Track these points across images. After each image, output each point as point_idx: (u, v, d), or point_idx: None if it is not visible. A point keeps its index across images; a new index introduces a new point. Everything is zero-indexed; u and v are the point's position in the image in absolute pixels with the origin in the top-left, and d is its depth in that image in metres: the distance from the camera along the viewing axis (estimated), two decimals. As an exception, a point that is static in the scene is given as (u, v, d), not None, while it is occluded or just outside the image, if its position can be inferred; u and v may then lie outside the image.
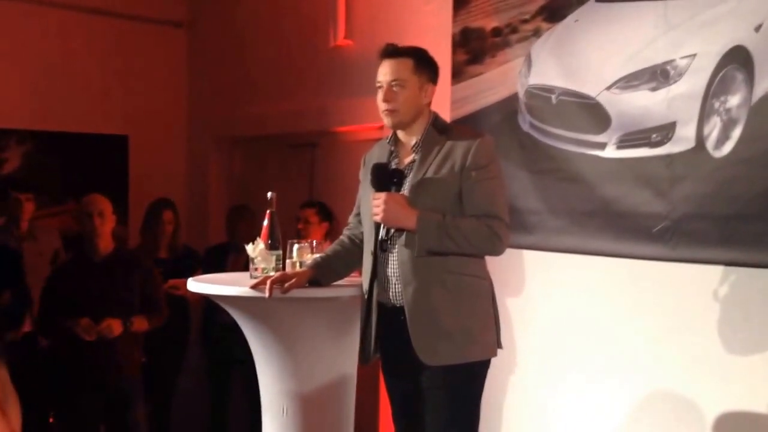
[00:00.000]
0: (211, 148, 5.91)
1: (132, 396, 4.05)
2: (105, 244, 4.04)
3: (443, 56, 3.68)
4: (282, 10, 5.33)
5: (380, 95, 2.71)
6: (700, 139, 3.07)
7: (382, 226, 2.68)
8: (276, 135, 5.47)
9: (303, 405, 2.97)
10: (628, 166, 3.28)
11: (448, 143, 2.69)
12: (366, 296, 2.75)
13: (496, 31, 3.83)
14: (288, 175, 5.48)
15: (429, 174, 2.67)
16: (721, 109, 3.01)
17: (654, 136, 3.19)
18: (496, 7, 3.82)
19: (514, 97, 3.75)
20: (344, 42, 4.78)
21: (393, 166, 2.76)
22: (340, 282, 2.93)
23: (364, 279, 2.77)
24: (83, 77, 5.51)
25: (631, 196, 3.27)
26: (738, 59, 2.97)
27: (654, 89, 3.19)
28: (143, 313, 4.04)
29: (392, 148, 2.80)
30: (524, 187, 3.65)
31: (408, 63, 2.70)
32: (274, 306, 2.83)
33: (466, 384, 2.68)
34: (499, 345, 2.76)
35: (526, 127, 3.69)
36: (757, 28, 2.92)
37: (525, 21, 3.71)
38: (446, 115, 3.72)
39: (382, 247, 2.71)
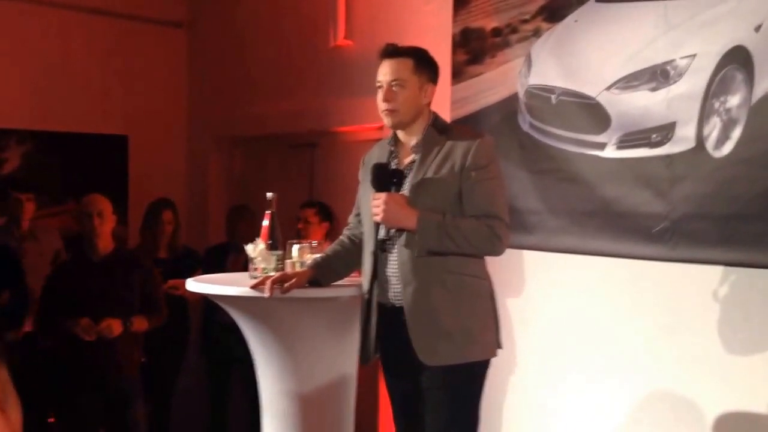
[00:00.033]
0: (211, 148, 5.91)
1: (131, 396, 4.05)
2: (105, 244, 4.04)
3: (443, 56, 3.68)
4: (282, 10, 5.33)
5: (380, 95, 2.72)
6: (700, 140, 3.07)
7: (382, 226, 2.68)
8: (276, 135, 5.47)
9: (303, 405, 2.97)
10: (628, 167, 3.28)
11: (448, 143, 2.69)
12: (366, 296, 2.75)
13: (496, 32, 3.83)
14: (288, 175, 5.48)
15: (429, 174, 2.67)
16: (721, 109, 3.02)
17: (654, 136, 3.19)
18: (496, 7, 3.82)
19: (514, 97, 3.75)
20: (344, 42, 4.78)
21: (393, 166, 2.76)
22: (340, 282, 2.93)
23: (364, 279, 2.77)
24: (83, 77, 5.51)
25: (631, 196, 3.27)
26: (738, 59, 2.97)
27: (654, 89, 3.20)
28: (143, 313, 4.04)
29: (392, 149, 2.80)
30: (524, 187, 3.65)
31: (408, 63, 2.70)
32: (274, 306, 2.83)
33: (466, 384, 2.69)
34: (499, 345, 2.76)
35: (526, 127, 3.70)
36: (757, 28, 2.92)
37: (525, 21, 3.71)
38: (446, 115, 3.72)
39: (382, 248, 2.71)
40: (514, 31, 3.75)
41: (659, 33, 3.19)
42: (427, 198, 2.65)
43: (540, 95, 3.63)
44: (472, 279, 2.68)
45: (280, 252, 3.03)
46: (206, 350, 5.11)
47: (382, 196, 2.63)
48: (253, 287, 2.77)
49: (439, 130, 2.74)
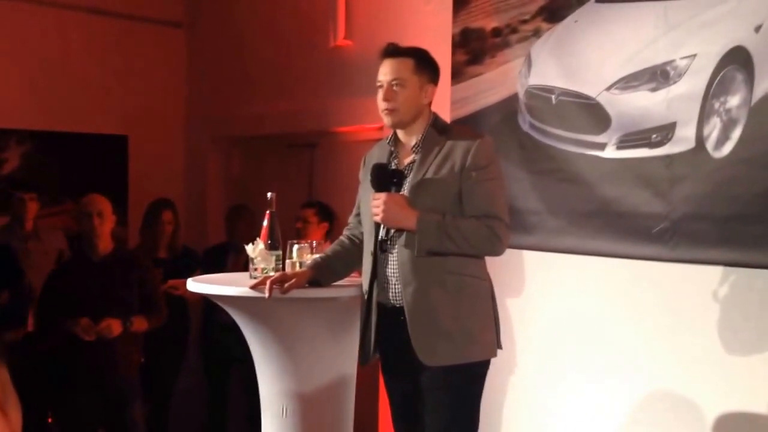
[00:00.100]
0: (211, 147, 5.91)
1: (130, 396, 4.05)
2: (104, 244, 4.04)
3: (443, 56, 3.67)
4: (281, 10, 5.33)
5: (380, 94, 2.72)
6: (700, 140, 3.07)
7: (381, 226, 2.68)
8: (275, 135, 5.47)
9: (302, 405, 2.97)
10: (628, 167, 3.28)
11: (448, 144, 2.69)
12: (366, 296, 2.75)
13: (496, 32, 3.83)
14: (287, 175, 5.48)
15: (429, 174, 2.67)
16: (721, 109, 3.01)
17: (654, 136, 3.19)
18: (496, 7, 3.82)
19: (514, 98, 3.75)
20: (344, 42, 4.78)
21: (393, 166, 2.76)
22: (339, 282, 2.92)
23: (364, 279, 2.77)
24: (83, 77, 5.51)
25: (630, 196, 3.27)
26: (738, 60, 2.97)
27: (654, 90, 3.19)
28: (142, 313, 4.04)
29: (392, 149, 2.80)
30: (524, 187, 3.65)
31: (409, 63, 2.70)
32: (273, 306, 2.83)
33: (466, 384, 2.68)
34: (499, 345, 2.76)
35: (525, 128, 3.69)
36: (757, 29, 2.92)
37: (525, 21, 3.71)
38: (446, 116, 3.72)
39: (381, 248, 2.71)
40: (514, 31, 3.75)
41: (659, 33, 3.19)
42: (426, 198, 2.64)
43: (540, 95, 3.63)
44: (472, 279, 2.68)
45: (279, 252, 3.03)
46: (205, 350, 5.11)
47: (382, 196, 2.63)
48: (253, 287, 2.76)
49: (439, 130, 2.74)
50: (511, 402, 3.80)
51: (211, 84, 5.88)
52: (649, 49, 3.22)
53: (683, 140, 3.11)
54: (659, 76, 3.18)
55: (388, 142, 2.81)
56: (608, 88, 3.35)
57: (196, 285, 2.96)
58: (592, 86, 3.41)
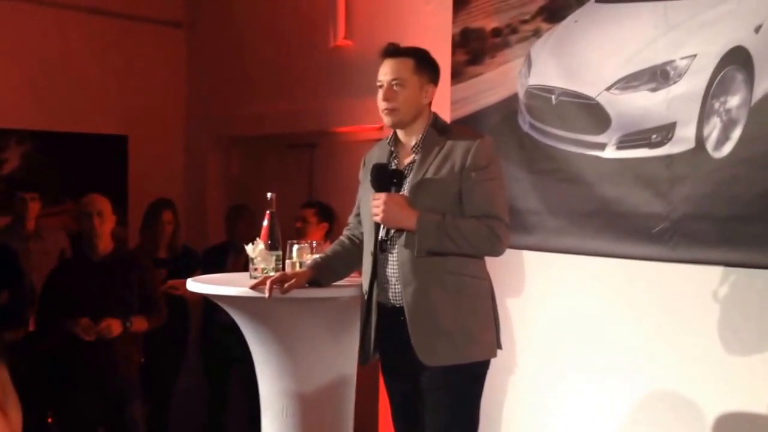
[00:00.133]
0: (210, 147, 5.91)
1: (130, 395, 4.05)
2: (104, 244, 4.04)
3: (443, 56, 3.67)
4: (281, 10, 5.33)
5: (380, 94, 2.72)
6: (700, 140, 3.07)
7: (381, 226, 2.68)
8: (275, 135, 5.47)
9: (302, 405, 2.97)
10: (628, 167, 3.28)
11: (448, 144, 2.69)
12: (366, 296, 2.75)
13: (496, 32, 3.83)
14: (287, 175, 5.48)
15: (429, 174, 2.67)
16: (721, 109, 3.02)
17: (654, 136, 3.19)
18: (496, 7, 3.82)
19: (513, 98, 3.75)
20: (344, 42, 4.78)
21: (393, 166, 2.76)
22: (339, 282, 2.92)
23: (364, 279, 2.77)
24: (83, 77, 5.51)
25: (630, 196, 3.27)
26: (738, 60, 2.97)
27: (654, 90, 3.19)
28: (142, 313, 4.04)
29: (392, 149, 2.80)
30: (524, 187, 3.65)
31: (409, 63, 2.70)
32: (273, 306, 2.83)
33: (466, 384, 2.68)
34: (498, 345, 2.76)
35: (525, 128, 3.69)
36: (757, 29, 2.92)
37: (525, 21, 3.71)
38: (446, 116, 3.72)
39: (381, 248, 2.71)
40: (514, 31, 3.75)
41: (659, 33, 3.19)
42: (426, 198, 2.64)
43: (540, 95, 3.63)
44: (472, 279, 2.68)
45: (279, 252, 3.03)
46: (205, 350, 5.11)
47: (382, 196, 2.63)
48: (253, 287, 2.76)
49: (439, 130, 2.74)
50: (511, 402, 3.80)
51: (211, 84, 5.88)
52: (649, 49, 3.22)
53: (683, 140, 3.11)
54: (659, 76, 3.18)
55: (388, 142, 2.81)
56: (608, 88, 3.35)
57: (196, 285, 2.96)
58: (592, 86, 3.41)
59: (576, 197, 3.47)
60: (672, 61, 3.15)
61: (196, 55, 6.02)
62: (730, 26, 3.00)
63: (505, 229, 2.66)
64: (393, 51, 2.73)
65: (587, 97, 3.42)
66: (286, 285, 2.73)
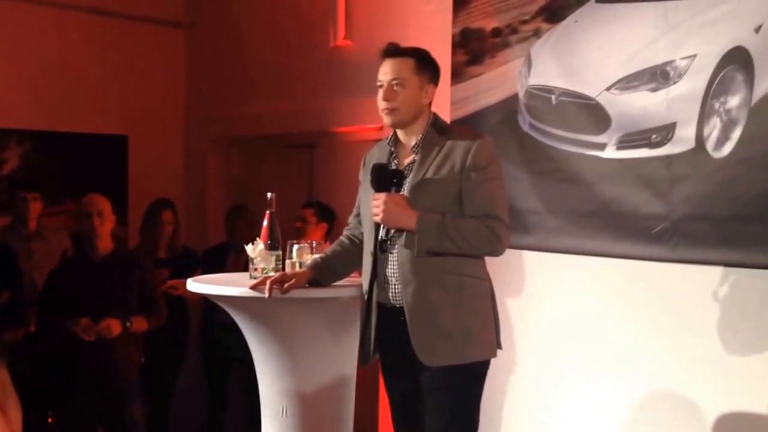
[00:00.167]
0: (210, 147, 5.91)
1: (130, 396, 4.05)
2: (104, 244, 4.04)
3: (443, 57, 3.67)
4: (281, 10, 5.33)
5: (380, 94, 2.72)
6: (700, 140, 3.07)
7: (381, 226, 2.68)
8: (275, 135, 5.47)
9: (302, 405, 2.97)
10: (628, 167, 3.28)
11: (448, 144, 2.69)
12: (366, 297, 2.75)
13: (496, 32, 3.83)
14: (287, 175, 5.48)
15: (429, 175, 2.67)
16: (721, 109, 3.02)
17: (654, 136, 3.19)
18: (496, 7, 3.82)
19: (513, 98, 3.75)
20: (344, 42, 4.78)
21: (393, 166, 2.76)
22: (339, 282, 2.92)
23: (364, 279, 2.77)
24: (82, 77, 5.51)
25: (630, 196, 3.27)
26: (738, 60, 2.97)
27: (654, 90, 3.20)
28: (142, 313, 4.04)
29: (392, 149, 2.80)
30: (524, 187, 3.65)
31: (409, 63, 2.70)
32: (273, 306, 2.83)
33: (466, 384, 2.68)
34: (498, 345, 2.76)
35: (525, 128, 3.69)
36: (757, 29, 2.92)
37: (525, 22, 3.71)
38: (446, 116, 3.72)
39: (381, 248, 2.71)
40: (514, 31, 3.75)
41: (659, 33, 3.19)
42: (426, 198, 2.64)
43: (540, 96, 3.63)
44: (472, 279, 2.68)
45: (279, 252, 3.03)
46: (205, 350, 5.11)
47: (382, 196, 2.63)
48: (253, 287, 2.76)
49: (438, 130, 2.74)
50: (511, 402, 3.80)
51: (211, 84, 5.88)
52: (649, 50, 3.22)
53: (683, 140, 3.11)
54: (659, 76, 3.18)
55: (388, 143, 2.81)
56: (608, 89, 3.35)
57: (196, 285, 2.96)
58: (592, 86, 3.41)
59: (576, 197, 3.47)
60: (672, 62, 3.15)
61: (196, 55, 6.02)
62: (730, 26, 3.00)
63: (505, 230, 2.66)
64: (393, 51, 2.73)
65: (587, 97, 3.42)
66: (286, 285, 2.73)
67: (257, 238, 3.02)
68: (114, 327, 3.89)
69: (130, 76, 5.72)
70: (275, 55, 5.34)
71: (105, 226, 4.03)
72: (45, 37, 5.34)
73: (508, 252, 2.76)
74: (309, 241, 3.05)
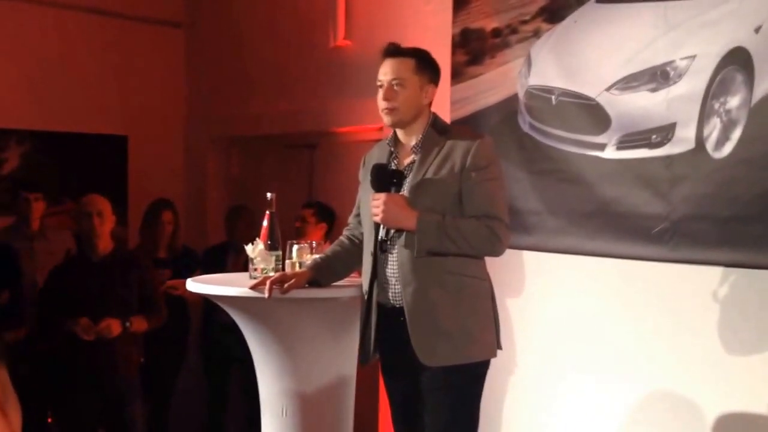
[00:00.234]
0: (210, 148, 5.91)
1: (130, 396, 4.05)
2: (104, 244, 4.04)
3: (443, 57, 3.67)
4: (281, 10, 5.33)
5: (380, 94, 2.72)
6: (700, 140, 3.07)
7: (381, 226, 2.68)
8: (275, 135, 5.47)
9: (302, 405, 2.97)
10: (628, 167, 3.28)
11: (448, 144, 2.69)
12: (366, 297, 2.75)
13: (496, 32, 3.83)
14: (287, 175, 5.48)
15: (429, 175, 2.67)
16: (721, 110, 3.02)
17: (654, 137, 3.20)
18: (495, 8, 3.82)
19: (513, 98, 3.75)
20: (343, 42, 4.78)
21: (393, 166, 2.76)
22: (339, 282, 2.93)
23: (364, 279, 2.77)
24: (82, 77, 5.51)
25: (630, 196, 3.27)
26: (738, 60, 2.97)
27: (654, 90, 3.20)
28: (142, 313, 4.04)
29: (392, 149, 2.80)
30: (524, 187, 3.65)
31: (409, 63, 2.70)
32: (273, 306, 2.83)
33: (466, 384, 2.68)
34: (498, 346, 2.76)
35: (525, 128, 3.69)
36: (757, 30, 2.92)
37: (525, 22, 3.71)
38: (446, 116, 3.72)
39: (381, 248, 2.71)
40: (514, 31, 3.75)
41: (659, 34, 3.19)
42: (426, 199, 2.64)
43: (540, 96, 3.63)
44: (472, 279, 2.68)
45: (279, 252, 3.03)
46: (205, 350, 5.11)
47: (382, 196, 2.63)
48: (253, 287, 2.76)
49: (438, 130, 2.74)
50: (511, 402, 3.80)
51: (211, 84, 5.88)
52: (649, 50, 3.22)
53: (683, 141, 3.11)
54: (659, 76, 3.18)
55: (388, 143, 2.81)
56: (608, 89, 3.35)
57: (196, 285, 2.96)
58: (592, 87, 3.41)
59: (576, 197, 3.47)
60: (672, 62, 3.15)
61: (196, 55, 6.02)
62: (730, 27, 3.00)
63: (505, 230, 2.66)
64: (394, 51, 2.73)
65: (587, 98, 3.42)
66: (285, 285, 2.73)
67: (257, 238, 3.02)
68: (114, 327, 3.89)
69: (130, 76, 5.72)
70: (275, 55, 5.34)
71: (105, 226, 4.03)
72: (45, 37, 5.34)
73: (508, 252, 2.76)
74: (309, 242, 3.05)
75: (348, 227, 3.01)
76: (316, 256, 2.93)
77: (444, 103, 3.82)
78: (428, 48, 2.81)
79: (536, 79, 3.65)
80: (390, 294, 2.70)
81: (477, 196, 2.64)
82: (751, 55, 2.93)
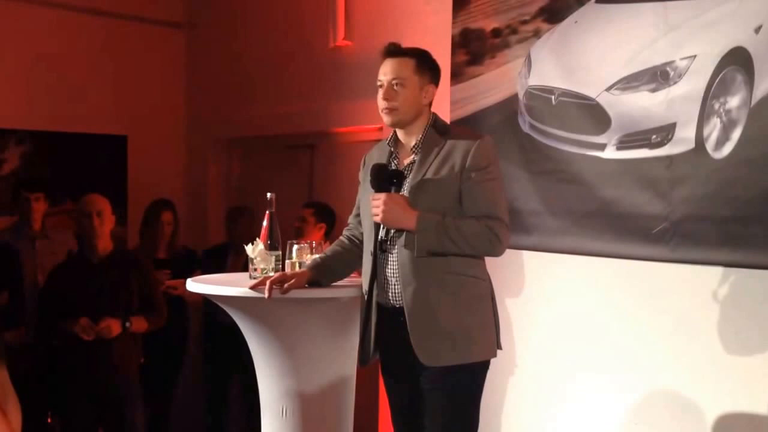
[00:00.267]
0: (210, 148, 5.91)
1: (130, 396, 4.05)
2: (104, 244, 4.04)
3: (443, 57, 3.67)
4: (281, 10, 5.33)
5: (381, 93, 2.72)
6: (700, 141, 3.07)
7: (381, 226, 2.68)
8: (275, 136, 5.47)
9: (302, 405, 2.97)
10: (628, 167, 3.29)
11: (448, 144, 2.69)
12: (366, 297, 2.75)
13: (496, 32, 3.83)
14: (287, 176, 5.48)
15: (429, 175, 2.67)
16: (721, 110, 3.02)
17: (654, 137, 3.20)
18: (495, 8, 3.82)
19: (513, 98, 3.75)
20: (343, 43, 4.78)
21: (393, 166, 2.76)
22: (339, 282, 2.93)
23: (364, 279, 2.77)
24: (82, 77, 5.50)
25: (630, 197, 3.27)
26: (738, 60, 2.97)
27: (654, 90, 3.20)
28: (142, 313, 4.04)
29: (392, 149, 2.80)
30: (524, 188, 3.65)
31: (410, 63, 2.70)
32: (273, 306, 2.83)
33: (466, 385, 2.68)
34: (498, 346, 2.76)
35: (525, 128, 3.69)
36: (757, 30, 2.92)
37: (525, 22, 3.71)
38: (446, 116, 3.72)
39: (381, 248, 2.71)
40: (514, 32, 3.75)
41: (659, 34, 3.19)
42: (426, 199, 2.64)
43: (540, 96, 3.63)
44: (472, 280, 2.68)
45: (279, 252, 3.03)
46: (206, 351, 5.11)
47: (382, 196, 2.63)
48: (252, 288, 2.76)
49: (438, 130, 2.74)
50: (511, 402, 3.80)
51: (211, 84, 5.88)
52: (649, 50, 3.22)
53: (683, 141, 3.12)
54: (659, 76, 3.18)
55: (388, 143, 2.81)
56: (608, 89, 3.35)
57: (196, 285, 2.96)
58: (592, 87, 3.41)
59: (576, 198, 3.47)
60: (672, 62, 3.15)
61: (196, 56, 6.02)
62: (730, 27, 3.00)
63: (505, 230, 2.66)
64: (394, 50, 2.73)
65: (587, 98, 3.43)
66: (285, 285, 2.73)
67: (257, 239, 3.02)
68: (113, 327, 3.89)
69: (130, 76, 5.71)
70: (275, 55, 5.34)
71: (105, 226, 4.04)
72: (45, 38, 5.33)
73: (508, 252, 2.76)
74: (309, 242, 3.05)
75: (348, 227, 3.01)
76: (316, 256, 2.93)
77: (444, 103, 3.82)
78: (428, 48, 2.81)
79: (536, 80, 3.65)
80: (390, 294, 2.70)
81: (477, 196, 2.64)
82: (751, 55, 2.93)
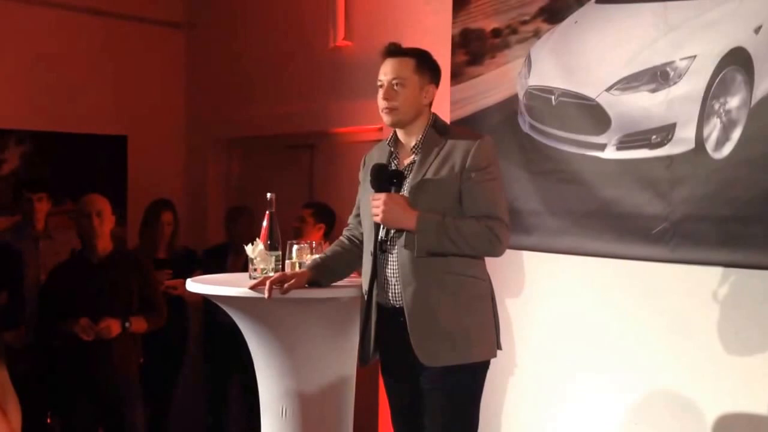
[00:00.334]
0: (210, 149, 5.91)
1: (130, 396, 4.05)
2: (104, 244, 4.04)
3: (443, 57, 3.67)
4: (281, 10, 5.33)
5: (381, 93, 2.72)
6: (700, 141, 3.07)
7: (381, 226, 2.68)
8: (274, 136, 5.47)
9: (302, 405, 2.97)
10: (628, 168, 3.29)
11: (448, 144, 2.69)
12: (366, 297, 2.75)
13: (496, 32, 3.83)
14: (286, 176, 5.47)
15: (429, 175, 2.67)
16: (721, 110, 3.02)
17: (654, 137, 3.20)
18: (495, 8, 3.82)
19: (513, 98, 3.75)
20: (343, 43, 4.78)
21: (393, 167, 2.76)
22: (339, 282, 2.93)
23: (364, 280, 2.77)
24: (82, 77, 5.50)
25: (630, 197, 3.27)
26: (738, 61, 2.97)
27: (654, 90, 3.20)
28: (142, 313, 4.03)
29: (392, 149, 2.80)
30: (524, 188, 3.65)
31: (410, 63, 2.70)
32: (273, 307, 2.83)
33: (466, 385, 2.68)
34: (498, 346, 2.76)
35: (525, 129, 3.70)
36: (757, 30, 2.92)
37: (525, 22, 3.71)
38: (446, 116, 3.72)
39: (381, 248, 2.71)
40: (514, 32, 3.75)
41: (659, 34, 3.19)
42: (426, 199, 2.64)
43: (540, 96, 3.63)
44: (472, 280, 2.68)
45: (279, 252, 3.03)
46: (206, 352, 5.10)
47: (382, 196, 2.63)
48: (252, 288, 2.76)
49: (438, 131, 2.74)
50: (511, 402, 3.80)
51: (211, 84, 5.88)
52: (649, 50, 3.22)
53: (683, 141, 3.12)
54: (659, 77, 3.18)
55: (388, 143, 2.81)
56: (608, 89, 3.35)
57: (196, 285, 2.96)
58: (592, 87, 3.41)
59: (576, 198, 3.47)
60: (672, 62, 3.15)
61: (196, 56, 6.02)
62: (730, 27, 3.00)
63: (505, 230, 2.66)
64: (394, 50, 2.73)
65: (587, 98, 3.43)
66: (285, 285, 2.73)
67: (257, 239, 3.02)
68: (113, 327, 3.89)
69: (130, 76, 5.71)
70: (275, 55, 5.34)
71: (104, 226, 4.03)
72: (45, 38, 5.33)
73: (508, 252, 2.76)
74: (309, 242, 3.05)
75: (348, 227, 3.01)
76: (316, 256, 2.93)
77: (444, 103, 3.82)
78: (428, 48, 2.81)
79: (536, 80, 3.65)
80: (390, 294, 2.70)
81: (477, 196, 2.64)
82: (751, 55, 2.93)
